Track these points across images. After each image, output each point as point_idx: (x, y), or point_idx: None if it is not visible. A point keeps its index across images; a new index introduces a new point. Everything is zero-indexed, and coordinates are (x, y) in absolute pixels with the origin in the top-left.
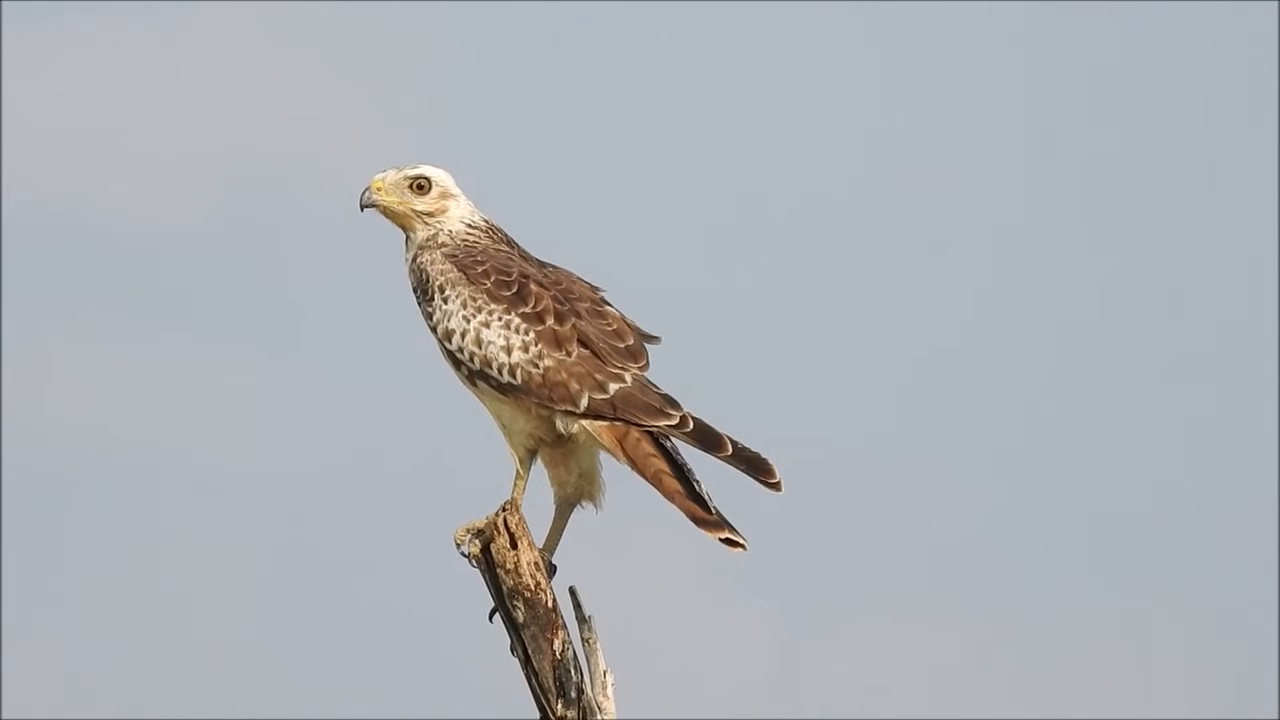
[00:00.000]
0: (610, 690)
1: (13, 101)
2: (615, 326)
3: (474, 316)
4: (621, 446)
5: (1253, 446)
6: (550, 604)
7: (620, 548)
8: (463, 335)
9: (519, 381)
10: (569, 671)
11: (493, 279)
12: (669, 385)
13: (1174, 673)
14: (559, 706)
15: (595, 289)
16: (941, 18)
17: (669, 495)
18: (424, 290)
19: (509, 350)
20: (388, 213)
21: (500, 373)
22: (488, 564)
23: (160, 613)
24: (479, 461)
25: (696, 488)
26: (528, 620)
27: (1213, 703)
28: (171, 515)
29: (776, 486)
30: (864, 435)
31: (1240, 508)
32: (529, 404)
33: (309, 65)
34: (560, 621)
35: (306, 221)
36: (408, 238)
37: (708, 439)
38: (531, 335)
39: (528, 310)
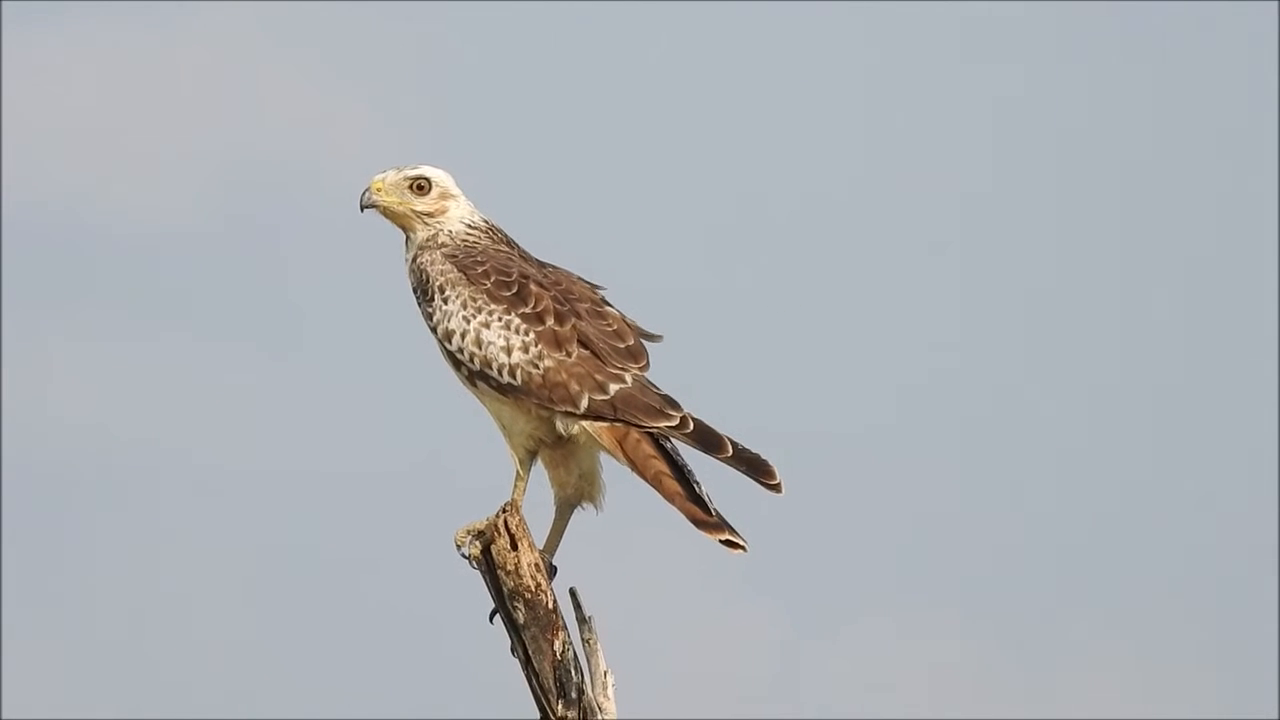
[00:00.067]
0: (611, 691)
1: (13, 101)
2: (615, 327)
3: (474, 317)
4: (621, 448)
5: (1253, 446)
6: (551, 605)
7: (620, 549)
8: (463, 335)
9: (519, 382)
10: (569, 672)
11: (493, 279)
12: (669, 385)
13: (1174, 673)
14: (559, 707)
15: (595, 289)
16: (942, 18)
17: (669, 497)
18: (424, 290)
19: (509, 351)
20: (388, 213)
21: (500, 373)
22: (488, 565)
23: (160, 613)
24: (479, 462)
25: (697, 489)
26: (528, 621)
27: (1213, 703)
28: (171, 515)
29: (777, 488)
30: (865, 435)
31: (1240, 508)
32: (529, 405)
33: (309, 65)
34: (561, 622)
35: (306, 221)
36: (408, 238)
37: (708, 440)
38: (531, 336)
39: (528, 311)
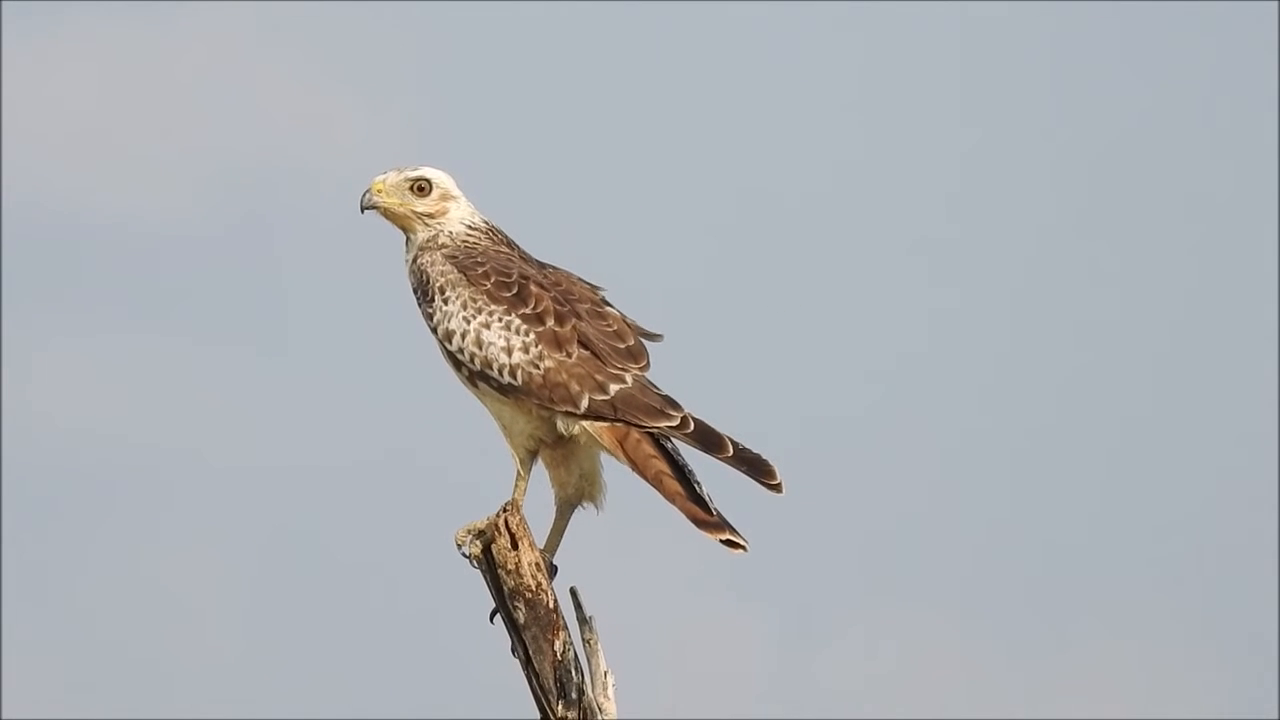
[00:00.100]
0: (611, 691)
1: (13, 101)
2: (615, 327)
3: (474, 317)
4: (622, 448)
5: (1253, 445)
6: (551, 605)
7: (621, 549)
8: (463, 336)
9: (519, 382)
10: (570, 672)
11: (493, 280)
12: (670, 385)
13: (1174, 673)
14: (560, 707)
15: (595, 289)
16: (943, 18)
17: (670, 496)
18: (424, 291)
19: (509, 351)
20: (388, 214)
21: (501, 374)
22: (489, 565)
23: (160, 612)
24: (480, 463)
25: (697, 489)
26: (529, 621)
27: (1213, 702)
28: (171, 515)
29: (777, 488)
30: (865, 434)
31: (1241, 507)
32: (529, 405)
33: (308, 65)
34: (561, 622)
35: (306, 221)
36: (408, 239)
37: (708, 440)
38: (532, 336)
39: (528, 311)
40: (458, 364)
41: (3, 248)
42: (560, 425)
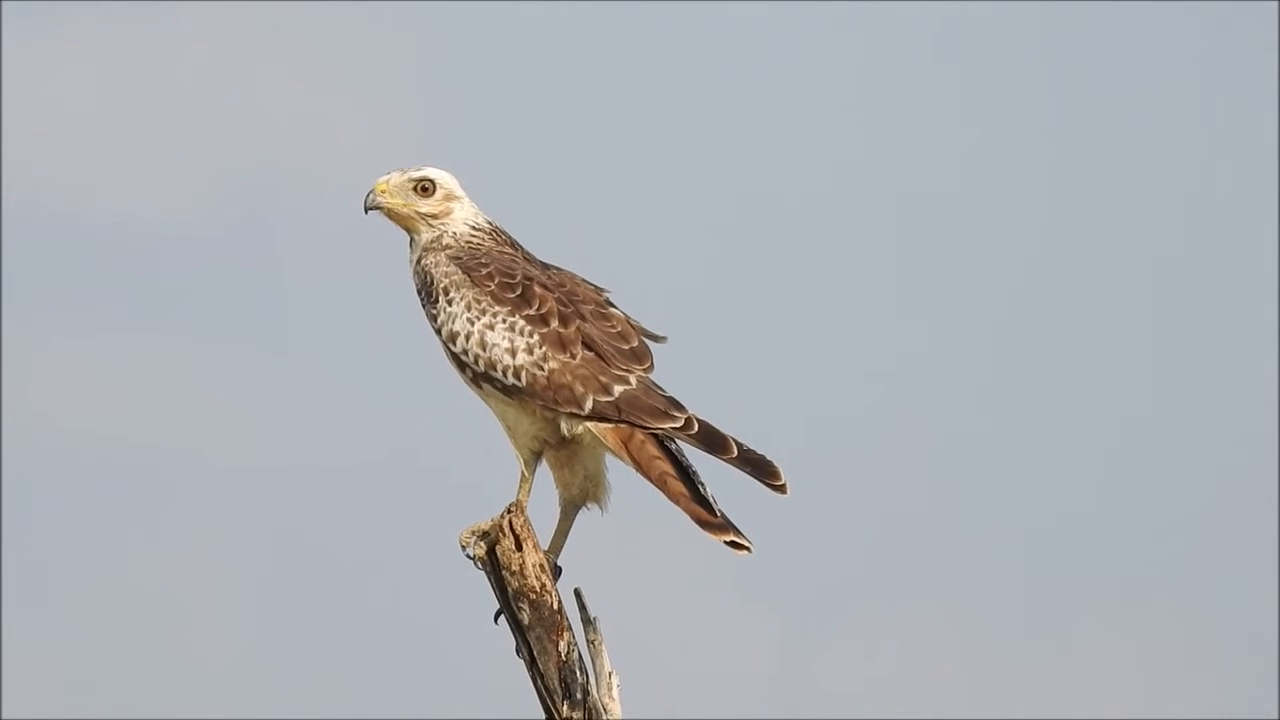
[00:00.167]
0: (615, 692)
1: (13, 101)
2: (620, 328)
3: (478, 319)
4: (626, 449)
5: (1254, 444)
6: (555, 606)
7: (625, 550)
8: (467, 337)
9: (523, 384)
10: (574, 673)
11: (497, 281)
12: (671, 386)
13: (1174, 673)
14: (564, 708)
15: (599, 290)
16: (943, 18)
17: (674, 498)
18: (428, 292)
19: (513, 352)
20: (392, 215)
21: (505, 375)
22: (493, 566)
23: (160, 612)
24: (484, 464)
25: (701, 490)
26: (533, 622)
27: (1213, 703)
28: (171, 515)
29: (782, 489)
30: (866, 433)
31: (1241, 507)
32: (533, 406)
33: (308, 65)
34: (565, 623)
35: (306, 221)
36: (412, 240)
37: (712, 441)
38: (536, 337)
39: (532, 312)
40: (462, 365)
41: (3, 248)
42: (564, 426)
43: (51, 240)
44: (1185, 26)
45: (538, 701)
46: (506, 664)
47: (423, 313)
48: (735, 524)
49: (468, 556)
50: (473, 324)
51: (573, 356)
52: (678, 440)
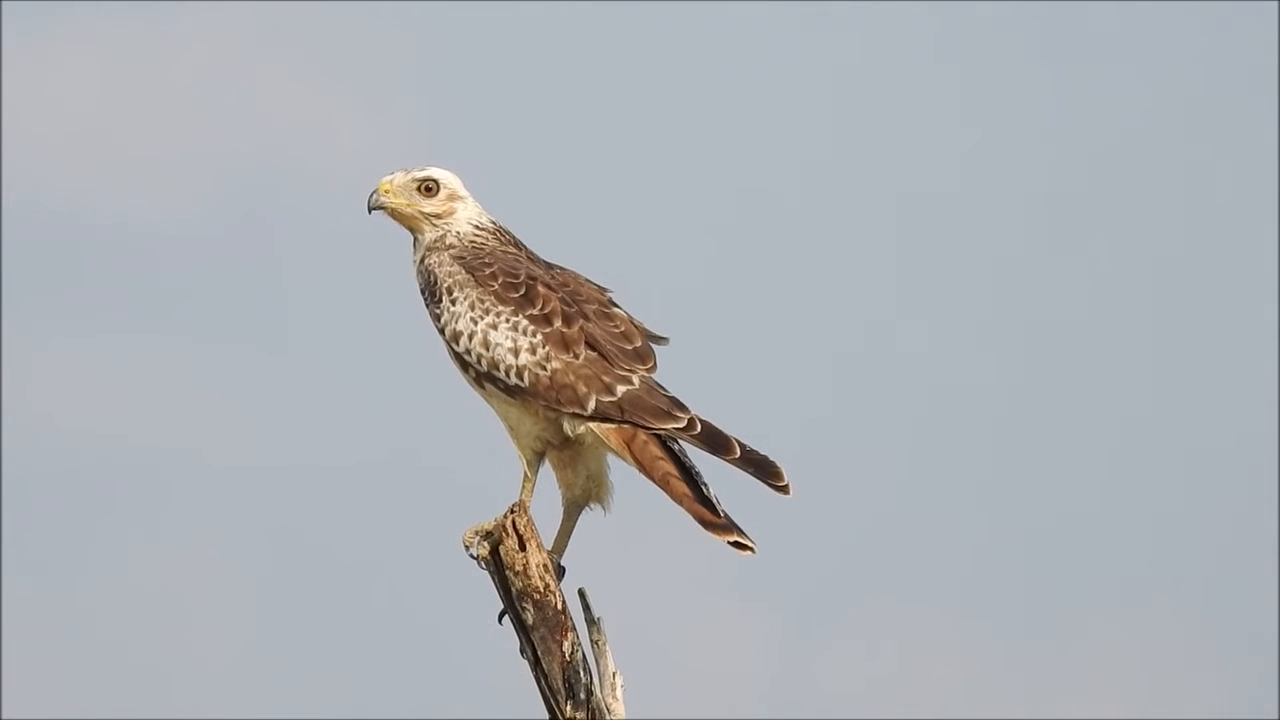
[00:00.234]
0: (619, 692)
1: (13, 101)
2: (623, 328)
3: (482, 318)
4: (629, 449)
5: (1253, 444)
6: (559, 606)
7: (629, 550)
8: (470, 337)
9: (526, 384)
10: (578, 673)
11: (500, 281)
12: (673, 386)
13: (1174, 673)
14: (568, 708)
15: (603, 290)
16: (943, 18)
17: (677, 498)
18: (432, 292)
19: (516, 352)
20: (395, 215)
21: (508, 375)
22: (496, 566)
23: (160, 612)
24: (487, 464)
25: (704, 490)
26: (537, 622)
27: (1213, 703)
28: (171, 515)
29: (785, 489)
30: (866, 433)
31: (1240, 506)
32: (536, 406)
33: (308, 65)
34: (569, 623)
35: (306, 221)
36: (415, 239)
37: (715, 442)
38: (539, 337)
39: (535, 312)
40: (465, 365)
41: (3, 248)
42: (567, 427)
43: (51, 240)
44: (1185, 26)
45: (541, 702)
46: (508, 664)
47: (426, 312)
48: (738, 524)
49: (471, 557)
50: (476, 324)
51: (576, 356)
52: (680, 441)
